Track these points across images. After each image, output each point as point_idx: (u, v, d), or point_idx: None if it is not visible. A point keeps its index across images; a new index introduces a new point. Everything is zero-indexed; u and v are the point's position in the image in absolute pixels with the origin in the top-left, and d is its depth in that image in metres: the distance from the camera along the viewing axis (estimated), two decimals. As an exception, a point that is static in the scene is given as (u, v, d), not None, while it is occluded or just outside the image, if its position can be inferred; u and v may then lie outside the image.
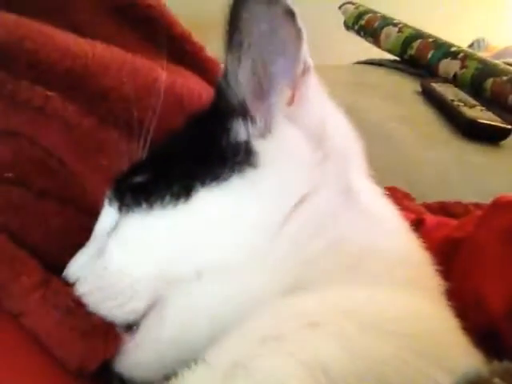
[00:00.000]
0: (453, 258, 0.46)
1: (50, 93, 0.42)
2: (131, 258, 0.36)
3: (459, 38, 1.49)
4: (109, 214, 0.39)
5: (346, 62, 1.60)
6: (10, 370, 0.33)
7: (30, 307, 0.34)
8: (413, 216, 0.55)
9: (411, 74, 1.37)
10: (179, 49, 0.56)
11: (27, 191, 0.40)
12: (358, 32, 1.61)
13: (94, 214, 0.40)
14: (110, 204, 0.39)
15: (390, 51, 1.49)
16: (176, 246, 0.35)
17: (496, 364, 0.26)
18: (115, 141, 0.43)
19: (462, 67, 1.25)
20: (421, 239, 0.41)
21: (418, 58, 1.38)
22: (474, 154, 0.95)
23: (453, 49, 1.31)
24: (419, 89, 1.24)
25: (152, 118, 0.40)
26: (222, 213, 0.35)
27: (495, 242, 0.43)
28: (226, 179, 0.35)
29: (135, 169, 0.40)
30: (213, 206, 0.35)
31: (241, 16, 0.35)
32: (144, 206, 0.36)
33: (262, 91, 0.37)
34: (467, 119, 1.01)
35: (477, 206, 0.65)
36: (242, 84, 0.37)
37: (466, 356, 0.30)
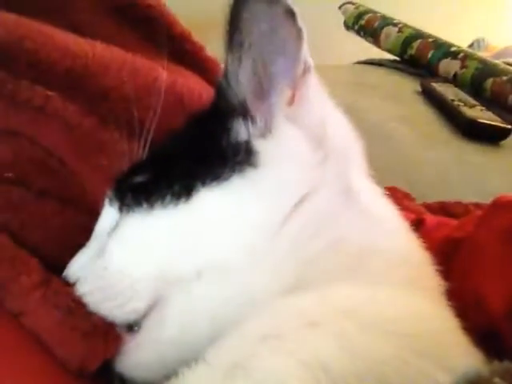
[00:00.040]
0: (453, 257, 0.46)
1: (50, 92, 0.42)
2: (131, 257, 0.36)
3: (459, 38, 1.49)
4: (109, 213, 0.39)
5: (346, 62, 1.60)
6: (10, 369, 0.33)
7: (30, 307, 0.34)
8: (413, 216, 0.55)
9: (411, 73, 1.37)
10: (179, 48, 0.56)
11: (27, 191, 0.40)
12: (357, 32, 1.61)
13: (94, 214, 0.40)
14: (111, 204, 0.39)
15: (389, 51, 1.49)
16: (176, 246, 0.35)
17: (496, 364, 0.26)
18: (116, 141, 0.43)
19: (462, 67, 1.25)
20: (421, 239, 0.41)
21: (418, 58, 1.38)
22: (474, 154, 0.95)
23: (453, 49, 1.31)
24: (419, 89, 1.24)
25: (152, 118, 0.40)
26: (222, 213, 0.35)
27: (495, 241, 0.43)
28: (226, 179, 0.35)
29: (136, 169, 0.40)
30: (213, 206, 0.35)
31: (241, 16, 0.35)
32: (144, 205, 0.36)
33: (263, 91, 0.37)
34: (467, 119, 1.01)
35: (477, 205, 0.65)
36: (243, 84, 0.37)
37: (467, 356, 0.30)
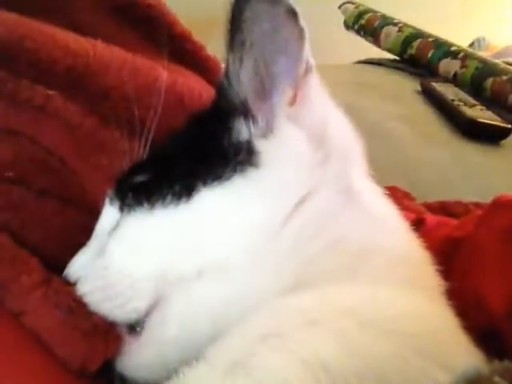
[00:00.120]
0: (453, 257, 0.46)
1: (50, 92, 0.42)
2: (132, 257, 0.36)
3: (459, 38, 1.49)
4: (110, 213, 0.39)
5: (346, 62, 1.60)
6: (11, 369, 0.33)
7: (30, 306, 0.34)
8: (413, 216, 0.55)
9: (411, 73, 1.37)
10: (180, 48, 0.56)
11: (28, 190, 0.40)
12: (357, 31, 1.61)
13: (94, 214, 0.40)
14: (111, 203, 0.39)
15: (389, 51, 1.49)
16: (177, 246, 0.35)
17: (496, 363, 0.26)
18: (116, 140, 0.43)
19: (462, 67, 1.25)
20: (421, 239, 0.41)
21: (418, 58, 1.38)
22: (474, 154, 0.95)
23: (453, 48, 1.31)
24: (419, 88, 1.24)
25: (153, 118, 0.40)
26: (223, 212, 0.35)
27: (495, 241, 0.43)
28: (227, 179, 0.35)
29: (136, 168, 0.40)
30: (214, 206, 0.35)
31: (243, 15, 0.35)
32: (145, 205, 0.36)
33: (264, 91, 0.37)
34: (467, 119, 1.01)
35: (477, 205, 0.65)
36: (244, 84, 0.37)
37: (467, 355, 0.30)
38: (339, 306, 0.31)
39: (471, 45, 1.95)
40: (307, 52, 0.36)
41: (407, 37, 1.42)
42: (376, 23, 1.53)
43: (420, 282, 0.37)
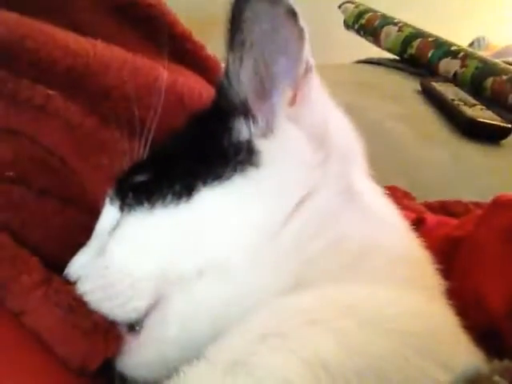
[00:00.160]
0: (453, 257, 0.46)
1: (51, 92, 0.42)
2: (132, 257, 0.36)
3: (459, 37, 1.49)
4: (110, 213, 0.39)
5: (346, 62, 1.60)
6: (11, 368, 0.33)
7: (31, 306, 0.34)
8: (413, 215, 0.55)
9: (411, 73, 1.37)
10: (180, 48, 0.56)
11: (28, 190, 0.40)
12: (357, 31, 1.61)
13: (94, 213, 0.40)
14: (112, 203, 0.39)
15: (389, 50, 1.49)
16: (177, 246, 0.35)
17: (496, 363, 0.26)
18: (116, 140, 0.43)
19: (462, 66, 1.25)
20: (421, 238, 0.41)
21: (418, 57, 1.38)
22: (474, 153, 0.95)
23: (453, 48, 1.31)
24: (419, 88, 1.24)
25: (153, 117, 0.40)
26: (223, 212, 0.35)
27: (495, 240, 0.43)
28: (227, 178, 0.35)
29: (137, 168, 0.40)
30: (215, 206, 0.35)
31: (243, 15, 0.35)
32: (145, 205, 0.36)
33: (264, 91, 0.37)
34: (467, 118, 1.01)
35: (477, 204, 0.65)
36: (244, 83, 0.37)
37: (466, 354, 0.30)
38: (339, 306, 0.31)
39: (471, 44, 1.95)
40: (307, 52, 0.36)
41: (407, 36, 1.42)
42: (376, 23, 1.53)
43: (420, 282, 0.37)
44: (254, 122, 0.37)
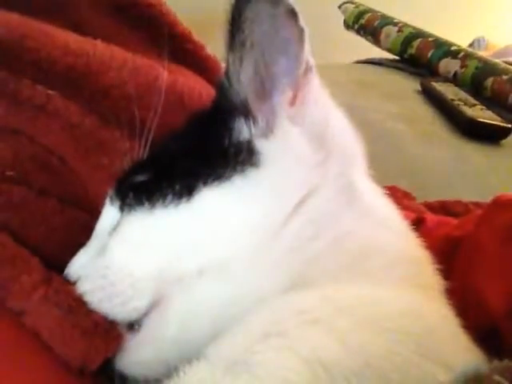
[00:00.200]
0: (453, 256, 0.46)
1: (50, 91, 0.42)
2: (132, 257, 0.36)
3: (459, 38, 1.49)
4: (110, 212, 0.39)
5: (346, 62, 1.60)
6: (11, 368, 0.33)
7: (31, 306, 0.34)
8: (413, 215, 0.55)
9: (411, 73, 1.37)
10: (180, 48, 0.56)
11: (28, 190, 0.41)
12: (357, 31, 1.61)
13: (94, 213, 0.40)
14: (112, 203, 0.39)
15: (390, 50, 1.49)
16: (178, 246, 0.35)
17: (496, 362, 0.26)
18: (116, 139, 0.43)
19: (463, 66, 1.25)
20: (421, 238, 0.41)
21: (418, 57, 1.38)
22: (474, 153, 0.95)
23: (453, 48, 1.31)
24: (419, 88, 1.24)
25: (153, 117, 0.40)
26: (223, 212, 0.35)
27: (495, 240, 0.43)
28: (228, 179, 0.35)
29: (137, 168, 0.40)
30: (215, 206, 0.35)
31: (243, 15, 0.35)
32: (146, 205, 0.36)
33: (264, 91, 0.37)
34: (467, 118, 1.01)
35: (477, 204, 0.66)
36: (244, 84, 0.37)
37: (466, 353, 0.30)
38: (339, 305, 0.31)
39: (471, 45, 1.95)
40: (307, 52, 0.36)
41: (407, 36, 1.42)
42: (376, 23, 1.53)
43: (420, 282, 0.37)
44: (254, 123, 0.37)
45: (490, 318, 0.40)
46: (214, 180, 0.35)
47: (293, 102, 0.37)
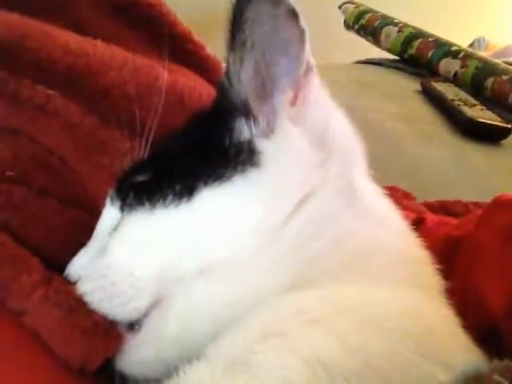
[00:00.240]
0: (453, 256, 0.46)
1: (50, 91, 0.42)
2: (133, 257, 0.36)
3: (459, 38, 1.49)
4: (110, 213, 0.39)
5: (346, 62, 1.60)
6: (12, 368, 0.33)
7: (31, 306, 0.34)
8: (413, 215, 0.55)
9: (411, 73, 1.37)
10: (180, 48, 0.56)
11: (28, 190, 0.41)
12: (358, 31, 1.61)
13: (95, 213, 0.40)
14: (112, 203, 0.39)
15: (390, 51, 1.50)
16: (178, 246, 0.35)
17: (496, 362, 0.26)
18: (117, 139, 0.43)
19: (463, 66, 1.25)
20: (421, 238, 0.41)
21: (419, 58, 1.38)
22: (474, 153, 0.95)
23: (453, 48, 1.31)
24: (419, 88, 1.24)
25: (153, 117, 0.40)
26: (224, 212, 0.35)
27: (495, 240, 0.43)
28: (228, 179, 0.35)
29: (137, 168, 0.40)
30: (215, 206, 0.35)
31: (244, 16, 0.35)
32: (146, 205, 0.36)
33: (265, 91, 0.37)
34: (467, 118, 1.01)
35: (477, 204, 0.66)
36: (245, 84, 0.37)
37: (466, 353, 0.30)
38: (339, 305, 0.31)
39: (471, 45, 1.95)
40: (308, 52, 0.36)
41: (407, 37, 1.42)
42: (376, 23, 1.53)
43: (420, 282, 0.37)
44: (254, 123, 0.37)
45: (490, 318, 0.40)
46: (214, 180, 0.35)
47: (293, 102, 0.37)
